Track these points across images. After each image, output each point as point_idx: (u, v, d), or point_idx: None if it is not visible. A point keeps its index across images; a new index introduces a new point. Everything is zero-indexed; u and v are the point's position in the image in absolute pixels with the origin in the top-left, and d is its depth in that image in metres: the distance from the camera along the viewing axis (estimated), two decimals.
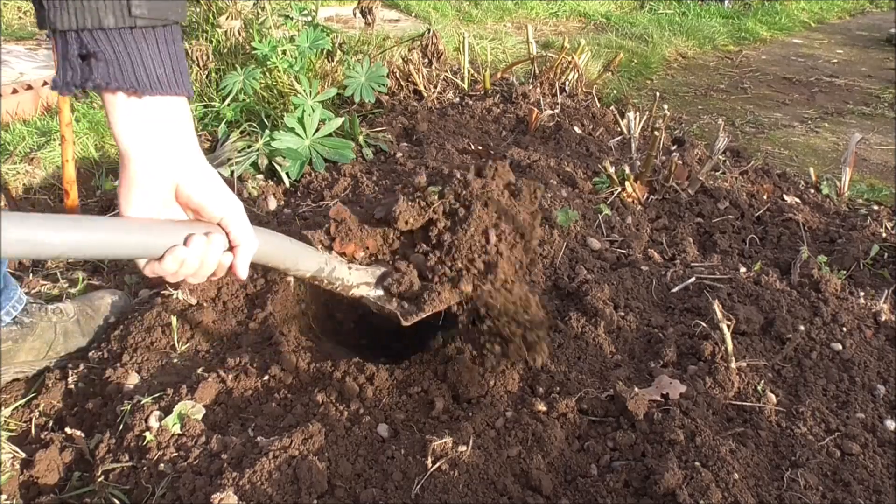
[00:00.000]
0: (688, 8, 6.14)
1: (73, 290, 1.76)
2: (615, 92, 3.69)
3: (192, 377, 1.40)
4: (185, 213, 0.91)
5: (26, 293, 1.58)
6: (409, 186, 1.50)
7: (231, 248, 0.92)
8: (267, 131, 2.46)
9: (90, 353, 1.51)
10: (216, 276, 0.91)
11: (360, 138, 2.58)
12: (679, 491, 1.17)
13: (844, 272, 1.93)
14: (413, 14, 5.01)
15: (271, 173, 2.36)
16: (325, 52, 2.99)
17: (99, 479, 1.19)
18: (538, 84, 3.26)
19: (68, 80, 0.78)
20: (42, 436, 1.33)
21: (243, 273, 0.93)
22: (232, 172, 2.27)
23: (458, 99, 3.17)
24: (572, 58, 3.23)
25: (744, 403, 1.41)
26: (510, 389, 1.42)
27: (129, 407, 1.30)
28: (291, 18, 2.90)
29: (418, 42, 3.28)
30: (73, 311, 1.57)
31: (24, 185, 2.30)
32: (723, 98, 3.99)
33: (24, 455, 1.27)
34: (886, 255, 2.02)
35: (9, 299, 1.47)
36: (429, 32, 3.27)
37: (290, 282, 1.67)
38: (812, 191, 2.53)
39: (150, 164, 0.83)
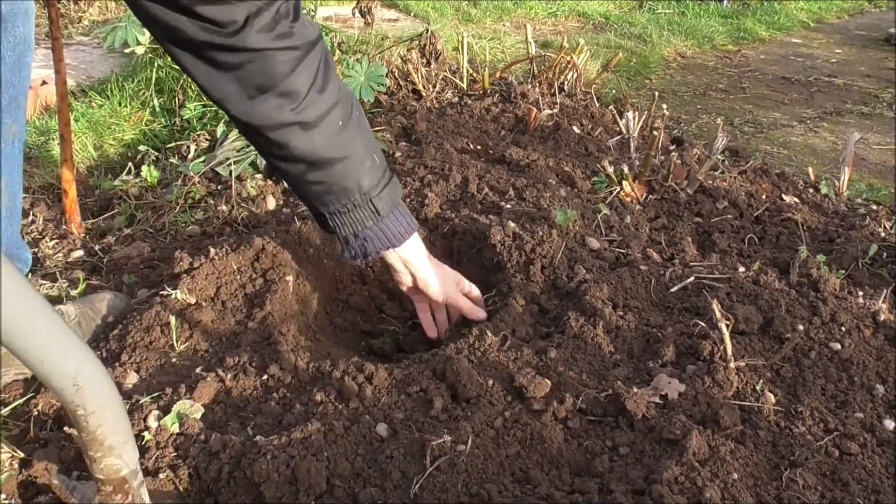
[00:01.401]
0: (686, 8, 6.14)
1: (73, 292, 1.76)
2: (614, 91, 3.69)
3: (190, 377, 1.40)
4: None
5: None
6: None
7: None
8: None
9: None
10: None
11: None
12: (678, 490, 1.17)
13: (843, 272, 1.93)
14: (412, 13, 5.01)
15: (270, 173, 2.36)
16: None
17: None
18: (537, 84, 3.26)
19: (353, 255, 1.39)
20: (41, 435, 1.33)
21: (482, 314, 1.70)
22: (231, 172, 2.27)
23: (456, 98, 3.17)
24: (571, 57, 3.23)
25: (743, 403, 1.41)
26: (509, 389, 1.42)
27: (127, 406, 1.30)
28: None
29: (417, 42, 3.28)
30: (75, 313, 1.58)
31: (23, 185, 2.30)
32: (721, 98, 4.00)
33: (22, 455, 1.27)
34: (885, 254, 2.02)
35: None
36: (427, 32, 3.27)
37: (288, 281, 1.67)
38: (811, 190, 2.53)
39: (408, 276, 1.54)
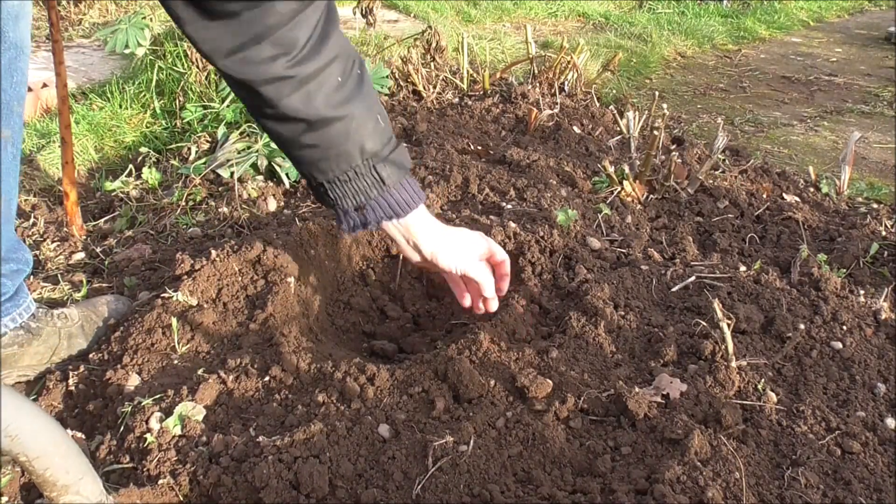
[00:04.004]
0: (686, 7, 6.13)
1: (77, 295, 1.76)
2: (614, 91, 3.69)
3: (192, 378, 1.40)
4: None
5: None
6: None
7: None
8: None
9: (90, 355, 1.51)
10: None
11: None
12: (680, 490, 1.17)
13: (844, 270, 1.93)
14: (412, 14, 5.01)
15: (271, 174, 2.36)
16: None
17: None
18: (537, 84, 3.26)
19: (351, 226, 1.22)
20: None
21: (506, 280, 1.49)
22: (232, 174, 2.27)
23: (457, 99, 3.17)
24: (571, 57, 3.23)
25: (744, 402, 1.41)
26: (511, 389, 1.42)
27: (129, 408, 1.31)
28: None
29: (420, 40, 3.28)
30: (78, 316, 1.58)
31: (23, 187, 2.30)
32: (722, 97, 4.00)
33: None
34: (886, 253, 2.02)
35: (17, 305, 1.48)
36: (430, 29, 3.28)
37: (290, 283, 1.67)
38: (811, 189, 2.53)
39: (413, 250, 1.32)
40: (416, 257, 1.33)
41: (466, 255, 1.35)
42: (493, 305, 1.44)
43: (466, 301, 1.47)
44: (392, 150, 1.20)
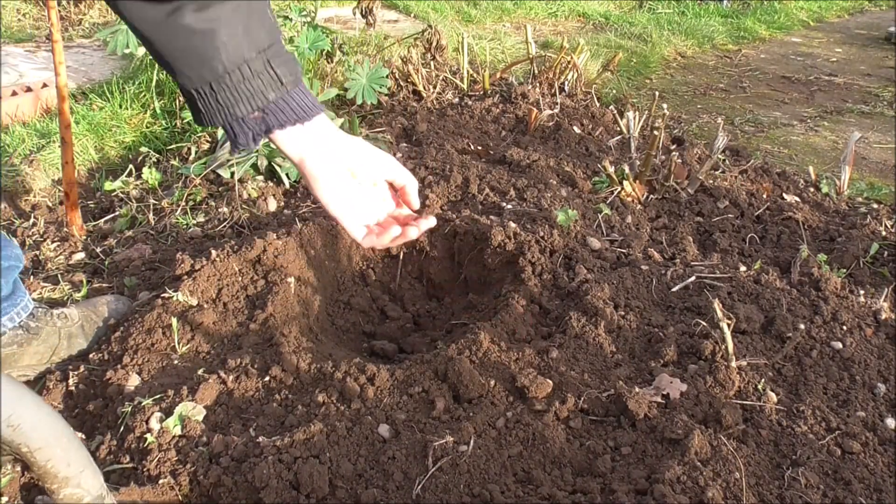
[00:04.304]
0: (687, 7, 6.13)
1: (77, 295, 1.76)
2: (614, 91, 3.69)
3: (192, 378, 1.40)
4: (378, 191, 1.12)
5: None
6: None
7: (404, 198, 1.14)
8: None
9: (91, 355, 1.51)
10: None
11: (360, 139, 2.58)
12: (680, 490, 1.17)
13: (844, 270, 1.93)
14: (412, 14, 5.01)
15: (271, 174, 2.36)
16: (324, 52, 3.00)
17: None
18: (537, 84, 3.26)
19: (250, 137, 1.00)
20: None
21: (416, 201, 1.15)
22: (232, 174, 2.27)
23: (457, 99, 3.17)
24: (571, 57, 3.23)
25: (744, 402, 1.41)
26: (511, 389, 1.42)
27: (129, 408, 1.31)
28: (291, 19, 2.90)
29: (420, 40, 3.28)
30: (78, 316, 1.58)
31: (24, 187, 2.30)
32: (722, 97, 4.00)
33: None
34: (886, 253, 2.02)
35: (15, 304, 1.48)
36: (431, 28, 3.28)
37: (290, 283, 1.67)
38: (811, 189, 2.53)
39: (321, 159, 1.05)
40: (324, 172, 1.06)
41: (392, 159, 1.12)
42: (413, 233, 1.13)
43: (361, 231, 1.10)
44: (283, 47, 1.01)
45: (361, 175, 1.09)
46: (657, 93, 2.85)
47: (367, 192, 1.12)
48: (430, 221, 1.14)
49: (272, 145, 2.37)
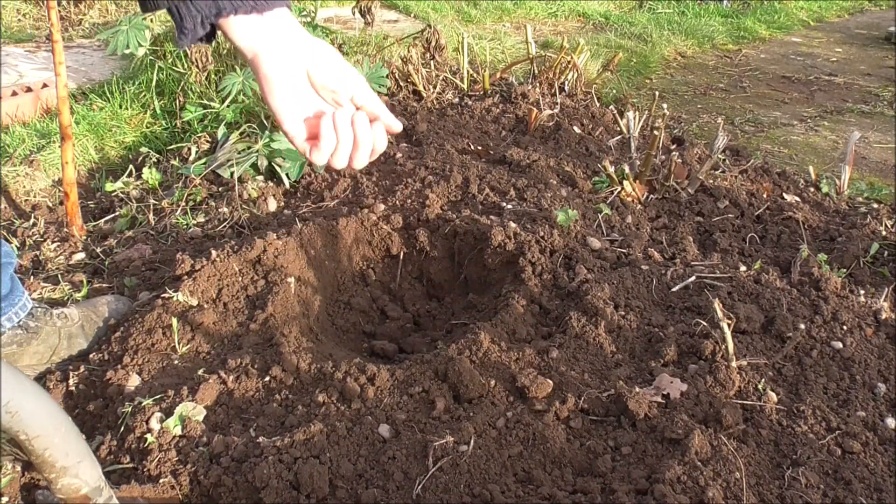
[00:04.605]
0: (687, 7, 6.13)
1: (77, 295, 1.76)
2: (614, 91, 3.69)
3: (192, 378, 1.40)
4: (327, 103, 0.98)
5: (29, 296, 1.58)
6: None
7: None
8: (267, 132, 2.47)
9: (91, 356, 1.51)
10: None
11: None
12: (680, 490, 1.17)
13: (844, 270, 1.93)
14: (412, 14, 5.01)
15: (271, 174, 2.36)
16: None
17: None
18: (537, 84, 3.26)
19: (197, 23, 0.88)
20: None
21: (397, 124, 1.01)
22: (232, 174, 2.27)
23: (457, 99, 3.17)
24: (571, 57, 3.23)
25: (744, 402, 1.41)
26: (511, 389, 1.42)
27: (129, 409, 1.31)
28: None
29: (419, 39, 3.28)
30: (78, 316, 1.58)
31: (24, 187, 2.30)
32: (722, 97, 3.99)
33: (25, 457, 1.27)
34: (886, 253, 2.02)
35: (13, 304, 1.48)
36: (430, 28, 3.28)
37: (290, 283, 1.67)
38: (812, 189, 2.53)
39: (277, 58, 0.93)
40: (279, 73, 0.94)
41: (361, 79, 1.01)
42: (362, 159, 0.99)
43: (323, 156, 0.97)
44: None
45: (320, 80, 0.96)
46: (657, 93, 2.85)
47: (327, 106, 0.97)
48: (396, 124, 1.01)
49: (273, 145, 2.37)
